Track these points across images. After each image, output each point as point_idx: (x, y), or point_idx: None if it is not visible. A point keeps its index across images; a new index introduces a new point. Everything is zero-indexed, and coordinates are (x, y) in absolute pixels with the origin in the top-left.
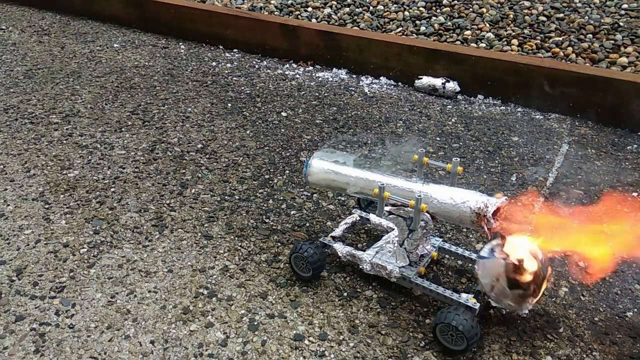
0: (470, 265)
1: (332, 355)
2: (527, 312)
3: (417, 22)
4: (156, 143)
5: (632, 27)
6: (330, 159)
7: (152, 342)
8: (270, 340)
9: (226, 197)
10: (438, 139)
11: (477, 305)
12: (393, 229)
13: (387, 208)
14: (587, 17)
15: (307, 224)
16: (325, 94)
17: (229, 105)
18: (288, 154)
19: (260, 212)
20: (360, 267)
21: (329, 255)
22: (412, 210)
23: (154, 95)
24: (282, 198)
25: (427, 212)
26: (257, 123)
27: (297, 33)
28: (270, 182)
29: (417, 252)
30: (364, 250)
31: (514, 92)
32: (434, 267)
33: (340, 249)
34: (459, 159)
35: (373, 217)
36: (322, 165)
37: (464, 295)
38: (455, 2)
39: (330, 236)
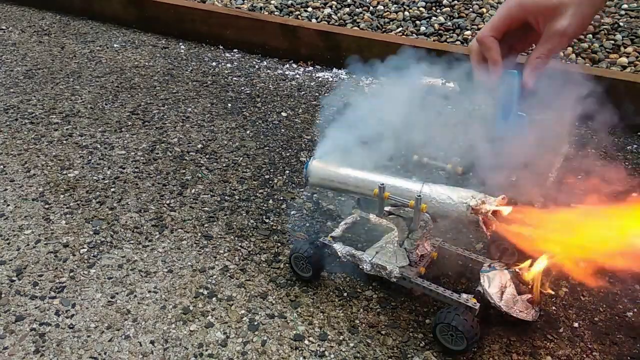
0: (470, 265)
1: (332, 355)
2: (536, 318)
3: (417, 22)
4: (156, 143)
5: (632, 27)
6: (330, 160)
7: (152, 342)
8: (270, 340)
9: (226, 197)
10: None
11: (477, 305)
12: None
13: (387, 208)
14: None
15: (307, 224)
16: (326, 94)
17: (229, 105)
18: (288, 154)
19: (260, 212)
20: (360, 267)
21: (329, 255)
22: (412, 210)
23: (154, 95)
24: (282, 198)
25: (427, 212)
26: (257, 123)
27: (297, 33)
28: (270, 182)
29: (417, 252)
30: (364, 250)
31: None
32: (434, 267)
33: (340, 249)
34: (459, 159)
35: (373, 217)
36: (322, 166)
37: (464, 295)
38: (455, 2)
39: (330, 236)
